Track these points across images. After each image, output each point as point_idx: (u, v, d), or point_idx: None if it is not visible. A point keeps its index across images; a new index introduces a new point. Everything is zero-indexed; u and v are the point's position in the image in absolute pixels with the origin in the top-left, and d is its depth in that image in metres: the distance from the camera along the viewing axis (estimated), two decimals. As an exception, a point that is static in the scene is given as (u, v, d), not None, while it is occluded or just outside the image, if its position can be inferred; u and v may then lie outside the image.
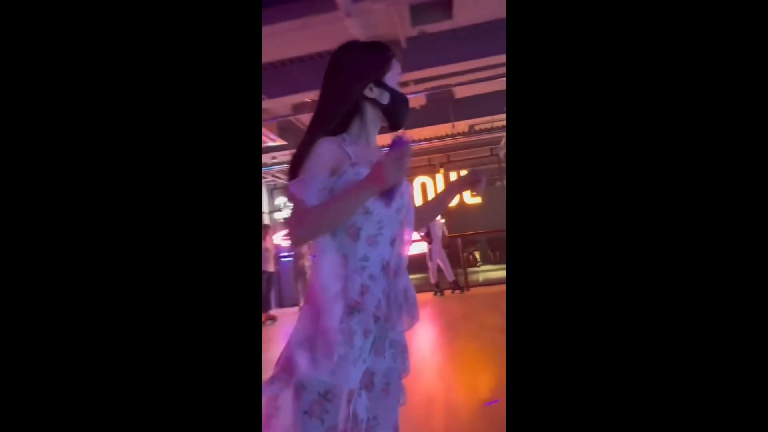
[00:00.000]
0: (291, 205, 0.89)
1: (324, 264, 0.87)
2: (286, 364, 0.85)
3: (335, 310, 0.83)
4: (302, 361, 0.82)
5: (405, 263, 0.94)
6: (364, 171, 0.86)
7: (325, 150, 0.88)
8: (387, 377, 0.91)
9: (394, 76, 0.96)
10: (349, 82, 0.93)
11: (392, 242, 0.92)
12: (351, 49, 0.96)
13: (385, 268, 0.90)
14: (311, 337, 0.83)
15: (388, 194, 0.80)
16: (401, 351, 0.93)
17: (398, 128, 0.98)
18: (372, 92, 0.94)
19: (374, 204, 0.86)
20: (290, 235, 0.85)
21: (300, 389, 0.82)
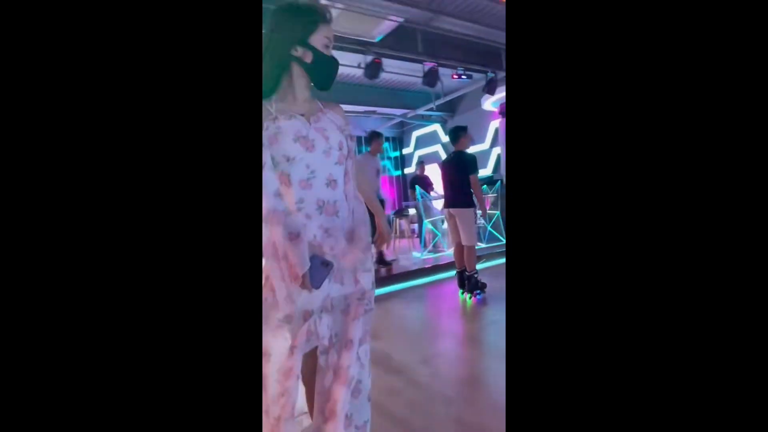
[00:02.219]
0: None
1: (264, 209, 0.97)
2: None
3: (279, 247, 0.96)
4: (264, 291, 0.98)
5: (341, 198, 1.03)
6: (285, 124, 0.98)
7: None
8: (346, 300, 1.05)
9: (320, 39, 1.01)
10: (273, 42, 1.01)
11: (329, 184, 1.01)
12: (278, 11, 1.03)
13: (321, 207, 1.00)
14: (267, 276, 0.99)
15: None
16: (358, 276, 1.06)
17: (324, 88, 1.06)
18: (297, 51, 1.01)
19: (294, 149, 0.97)
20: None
21: (266, 318, 0.97)
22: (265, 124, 0.98)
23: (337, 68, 1.07)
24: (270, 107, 1.01)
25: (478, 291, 3.44)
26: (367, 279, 1.08)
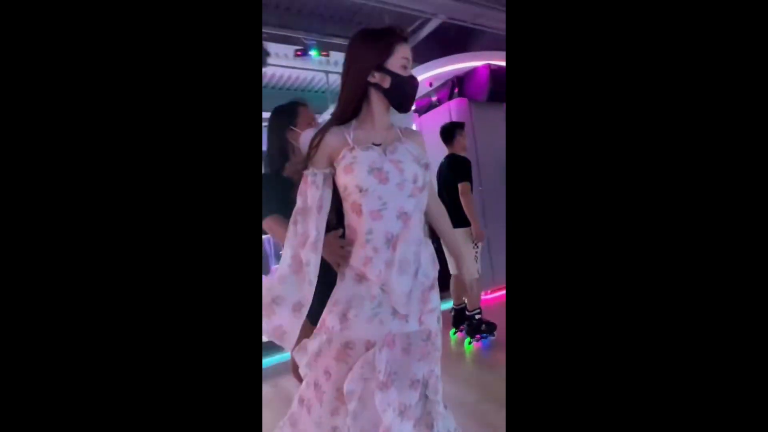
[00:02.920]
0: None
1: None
2: (322, 324, 1.03)
3: (346, 281, 1.01)
4: (329, 320, 1.00)
5: (411, 233, 1.00)
6: (361, 154, 0.98)
7: (324, 143, 1.02)
8: (408, 339, 1.00)
9: (398, 60, 1.01)
10: (352, 71, 1.02)
11: (399, 216, 0.99)
12: (355, 39, 1.04)
13: (390, 241, 0.98)
14: (335, 302, 1.01)
15: None
16: (423, 316, 1.02)
17: (404, 110, 1.06)
18: (374, 77, 1.01)
19: (368, 181, 0.97)
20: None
21: (329, 342, 0.99)
22: (342, 153, 1.00)
23: (416, 87, 1.07)
24: (348, 135, 1.02)
25: (484, 334, 2.67)
26: (432, 319, 1.05)
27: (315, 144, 1.02)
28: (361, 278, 1.00)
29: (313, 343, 1.03)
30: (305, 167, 1.04)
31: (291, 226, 1.03)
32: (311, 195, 1.01)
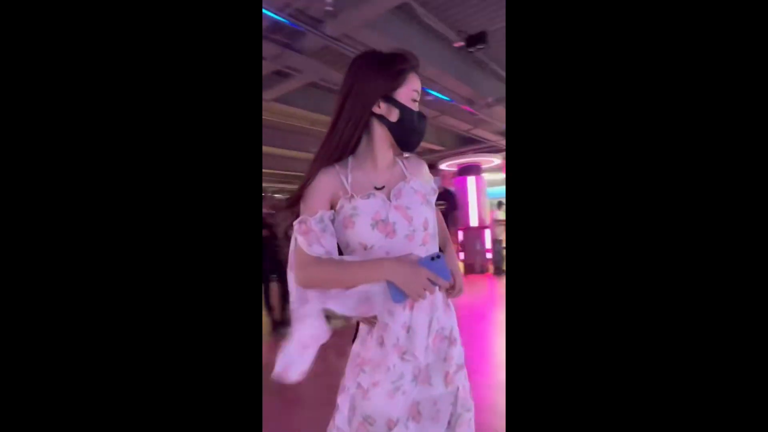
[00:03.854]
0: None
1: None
2: (343, 382, 0.90)
3: (368, 336, 0.87)
4: (349, 378, 0.88)
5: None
6: (361, 204, 0.83)
7: (321, 184, 0.85)
8: (435, 405, 0.87)
9: (407, 92, 0.86)
10: (354, 99, 0.85)
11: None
12: (360, 61, 0.87)
13: (404, 302, 0.82)
14: (357, 354, 0.89)
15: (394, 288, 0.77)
16: (449, 375, 0.88)
17: (409, 149, 0.90)
18: (379, 108, 0.85)
19: (372, 236, 0.82)
20: (296, 277, 0.84)
21: (352, 408, 0.86)
22: (339, 203, 0.84)
23: (425, 125, 0.90)
24: (344, 178, 0.85)
25: None
26: (460, 377, 0.91)
27: (303, 187, 0.85)
28: (380, 342, 0.84)
29: (336, 416, 0.88)
30: (295, 217, 0.85)
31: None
32: (327, 245, 0.82)
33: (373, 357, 0.84)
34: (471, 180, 7.89)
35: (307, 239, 0.82)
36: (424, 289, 0.77)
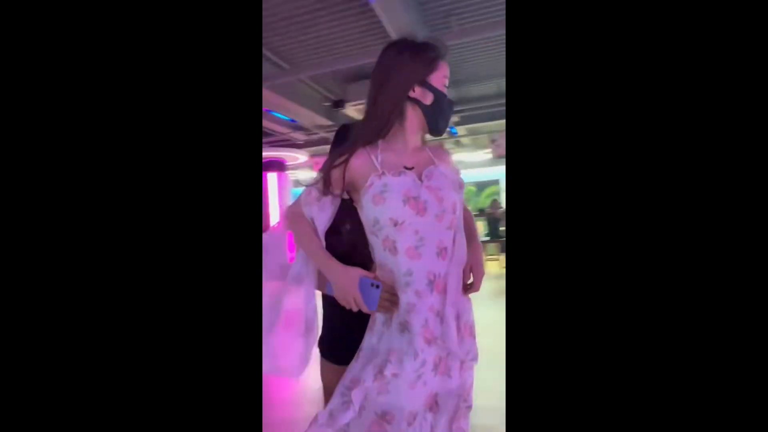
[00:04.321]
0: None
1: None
2: (352, 377, 0.84)
3: (386, 327, 0.84)
4: (362, 372, 0.82)
5: (455, 272, 0.86)
6: (392, 181, 0.85)
7: (352, 165, 0.88)
8: (451, 398, 0.87)
9: (440, 78, 0.91)
10: (392, 83, 0.88)
11: (439, 254, 0.85)
12: (397, 47, 0.91)
13: (432, 282, 0.84)
14: (371, 348, 0.84)
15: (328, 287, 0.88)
16: (464, 368, 0.89)
17: (438, 133, 0.94)
18: (414, 92, 0.89)
19: (404, 212, 0.82)
20: (288, 207, 0.94)
21: (361, 409, 0.81)
22: (369, 180, 0.85)
23: (452, 111, 0.96)
24: (374, 158, 0.87)
25: None
26: (471, 372, 0.92)
27: (337, 164, 0.87)
28: (403, 328, 0.83)
29: (342, 414, 0.81)
30: (323, 189, 0.88)
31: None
32: (314, 214, 0.89)
33: (396, 346, 0.83)
34: (272, 176, 7.64)
35: (308, 202, 0.91)
36: (347, 304, 0.85)
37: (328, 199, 0.90)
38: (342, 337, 1.00)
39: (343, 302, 0.84)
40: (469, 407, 0.94)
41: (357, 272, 0.84)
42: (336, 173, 0.88)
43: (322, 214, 0.90)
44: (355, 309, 0.83)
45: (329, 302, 0.99)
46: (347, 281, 0.83)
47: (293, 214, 0.93)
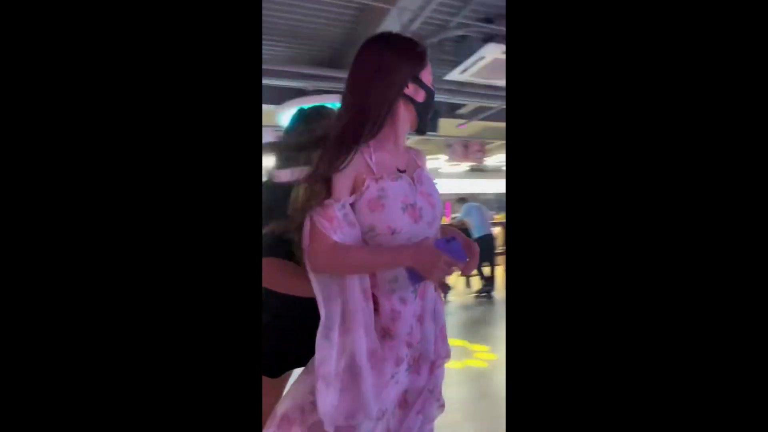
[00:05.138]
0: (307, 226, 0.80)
1: (351, 289, 0.78)
2: (304, 401, 0.79)
3: (362, 343, 0.77)
4: (325, 401, 0.76)
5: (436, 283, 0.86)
6: (388, 185, 0.80)
7: (348, 168, 0.79)
8: (418, 395, 0.86)
9: (428, 74, 0.88)
10: (384, 80, 0.82)
11: None
12: (383, 43, 0.86)
13: (416, 290, 0.83)
14: (336, 372, 0.77)
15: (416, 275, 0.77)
16: (435, 366, 0.89)
17: (423, 132, 0.91)
18: (408, 89, 0.85)
19: (402, 221, 0.80)
20: (309, 260, 0.78)
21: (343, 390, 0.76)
22: (365, 183, 0.80)
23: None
24: (369, 158, 0.81)
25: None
26: (442, 370, 0.92)
27: (341, 168, 0.78)
28: (385, 335, 0.81)
29: (312, 414, 0.79)
30: (323, 198, 0.79)
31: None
32: (346, 234, 0.77)
33: (372, 358, 0.79)
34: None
35: (332, 225, 0.77)
36: (443, 272, 0.76)
37: (349, 210, 0.80)
38: (279, 347, 1.00)
39: (439, 276, 0.76)
40: (442, 406, 0.94)
41: (426, 242, 0.79)
42: (341, 178, 0.79)
43: (353, 230, 0.80)
44: (450, 273, 0.78)
45: (274, 314, 0.97)
46: (427, 254, 0.75)
47: (328, 251, 0.77)
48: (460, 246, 0.79)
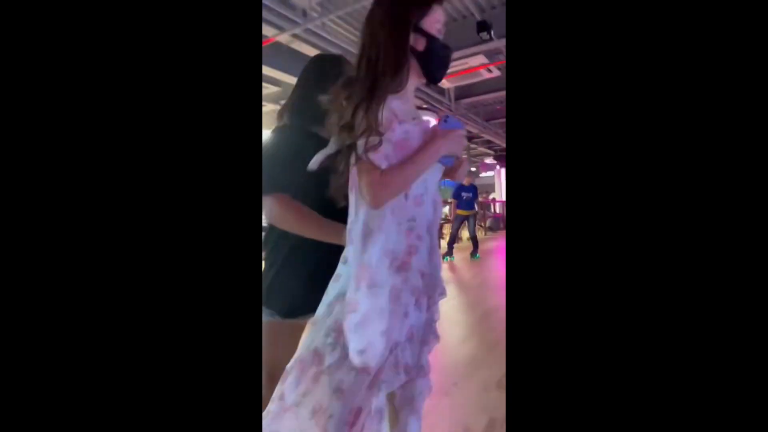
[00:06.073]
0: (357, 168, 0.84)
1: (378, 234, 0.83)
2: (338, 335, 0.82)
3: (384, 289, 0.82)
4: (355, 344, 0.80)
5: (438, 218, 0.94)
6: (411, 128, 0.85)
7: (390, 106, 0.82)
8: (424, 328, 0.92)
9: (433, 23, 0.88)
10: (392, 30, 0.84)
11: (433, 202, 0.91)
12: None
13: (429, 228, 0.90)
14: (364, 319, 0.80)
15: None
16: (432, 302, 0.94)
17: (435, 81, 0.92)
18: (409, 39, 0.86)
19: None
20: (370, 197, 0.81)
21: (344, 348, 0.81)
22: (393, 124, 0.82)
23: (450, 57, 0.93)
24: (391, 103, 0.83)
25: None
26: (438, 306, 0.96)
27: (378, 103, 0.81)
28: (400, 268, 0.84)
29: (329, 354, 0.82)
30: (374, 136, 0.80)
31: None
32: (390, 159, 0.82)
33: (391, 288, 0.83)
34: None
35: (378, 156, 0.81)
36: (463, 141, 0.91)
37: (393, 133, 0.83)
38: (292, 286, 1.04)
39: (462, 148, 0.92)
40: (437, 337, 0.98)
41: (438, 130, 0.87)
42: (376, 112, 0.81)
43: (395, 155, 0.83)
44: (466, 142, 0.85)
45: (277, 250, 1.03)
46: (447, 135, 0.86)
47: (382, 179, 0.80)
48: (453, 118, 0.91)
